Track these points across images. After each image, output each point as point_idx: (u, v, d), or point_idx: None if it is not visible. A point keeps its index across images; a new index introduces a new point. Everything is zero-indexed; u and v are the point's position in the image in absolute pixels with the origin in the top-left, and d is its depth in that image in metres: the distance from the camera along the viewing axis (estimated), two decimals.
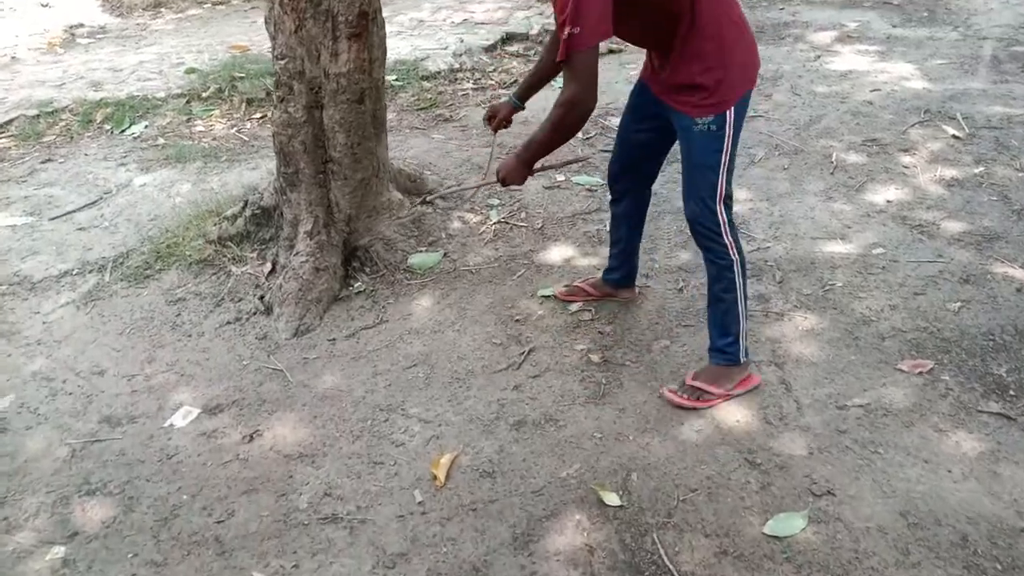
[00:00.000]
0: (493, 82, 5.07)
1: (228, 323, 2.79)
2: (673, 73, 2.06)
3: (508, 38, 5.81)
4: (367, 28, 2.68)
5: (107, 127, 4.64)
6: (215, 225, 3.24)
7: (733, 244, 2.16)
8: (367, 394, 2.40)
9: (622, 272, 2.66)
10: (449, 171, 3.78)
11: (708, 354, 2.32)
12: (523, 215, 3.37)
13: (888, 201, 3.27)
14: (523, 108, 2.54)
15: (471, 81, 5.11)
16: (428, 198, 3.04)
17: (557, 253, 3.07)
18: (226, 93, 4.92)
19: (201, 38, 6.20)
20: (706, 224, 2.14)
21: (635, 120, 2.36)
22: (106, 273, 3.17)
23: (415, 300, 2.85)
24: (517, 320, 2.69)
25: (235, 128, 4.57)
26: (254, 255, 3.15)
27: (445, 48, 5.52)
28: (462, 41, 5.65)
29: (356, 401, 2.38)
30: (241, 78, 4.99)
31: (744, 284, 2.21)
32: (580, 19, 1.84)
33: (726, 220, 2.14)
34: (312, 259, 2.84)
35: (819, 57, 5.06)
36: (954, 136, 3.75)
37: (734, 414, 2.20)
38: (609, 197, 2.56)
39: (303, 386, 2.46)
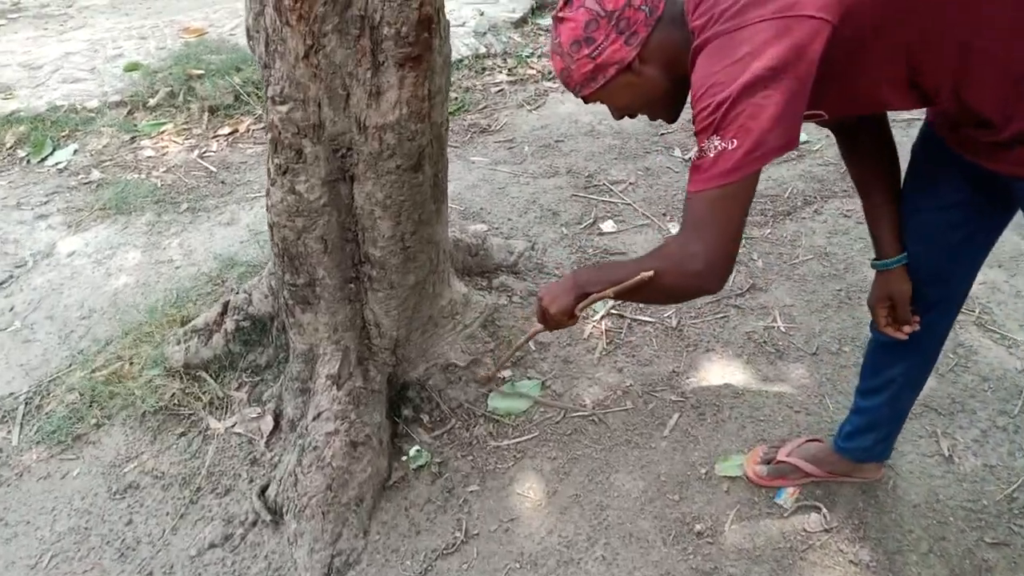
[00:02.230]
0: (534, 71, 3.89)
1: (213, 546, 1.68)
2: (1004, 123, 1.05)
3: (539, 7, 4.61)
4: (429, 45, 1.53)
5: (22, 154, 3.40)
6: (179, 343, 2.10)
7: None
8: None
9: (877, 437, 1.59)
10: (514, 223, 2.65)
11: None
12: None
13: None
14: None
15: (505, 71, 3.92)
16: (497, 371, 1.96)
17: (719, 377, 1.99)
18: (180, 98, 3.69)
19: (144, 17, 4.88)
20: None
21: (930, 194, 1.28)
22: (14, 427, 2.04)
23: (514, 485, 1.76)
24: (699, 533, 1.62)
25: (196, 151, 3.37)
26: (243, 395, 2.03)
27: (462, 24, 4.30)
28: (482, 14, 4.43)
29: None
30: (199, 76, 3.76)
31: None
32: (741, 125, 1.01)
33: None
34: (344, 425, 1.73)
35: None
36: None
37: None
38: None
39: None
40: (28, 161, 3.35)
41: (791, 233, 2.47)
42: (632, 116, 1.28)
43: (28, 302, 2.51)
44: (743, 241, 2.45)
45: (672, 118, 1.27)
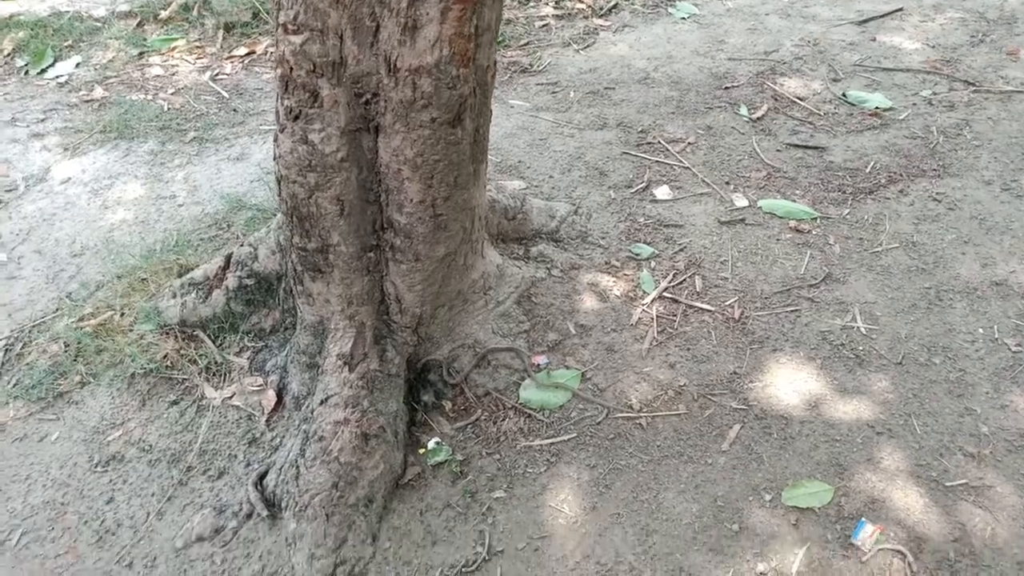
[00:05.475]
0: (583, 6, 3.51)
1: (201, 539, 1.48)
2: None
3: None
4: None
5: (20, 63, 3.12)
6: (175, 296, 1.87)
7: None
8: None
9: None
10: (556, 181, 2.36)
11: None
12: (698, 282, 2.00)
13: None
14: None
15: (551, 3, 3.55)
16: None
17: (788, 383, 1.73)
18: (195, 12, 3.37)
19: None
20: None
21: None
22: None
23: (546, 494, 1.53)
24: (761, 574, 1.39)
25: (208, 72, 3.07)
26: (243, 361, 1.80)
27: None
28: None
29: None
30: None
31: None
32: None
33: None
34: (356, 414, 1.50)
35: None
36: None
37: None
38: None
39: None
40: (27, 72, 3.08)
41: (872, 215, 2.17)
42: None
43: (16, 232, 2.27)
44: (816, 221, 2.16)
45: None
